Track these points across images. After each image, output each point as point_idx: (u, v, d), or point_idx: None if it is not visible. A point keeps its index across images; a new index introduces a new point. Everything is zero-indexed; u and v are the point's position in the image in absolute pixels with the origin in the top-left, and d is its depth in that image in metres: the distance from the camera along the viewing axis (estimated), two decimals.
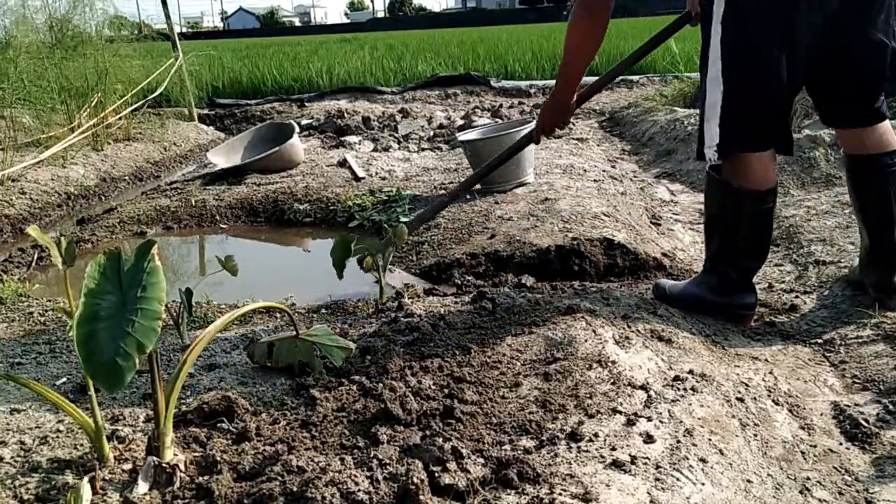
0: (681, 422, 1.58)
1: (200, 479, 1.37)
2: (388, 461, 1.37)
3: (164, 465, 1.37)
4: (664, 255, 3.00)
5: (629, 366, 1.83)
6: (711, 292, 2.37)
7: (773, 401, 1.83)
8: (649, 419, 1.57)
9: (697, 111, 5.88)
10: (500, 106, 7.56)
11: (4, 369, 2.02)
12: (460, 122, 6.55)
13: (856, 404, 1.83)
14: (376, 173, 4.67)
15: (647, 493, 1.32)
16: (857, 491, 1.49)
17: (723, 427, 1.62)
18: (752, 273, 2.35)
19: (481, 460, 1.40)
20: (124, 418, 1.67)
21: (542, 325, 2.10)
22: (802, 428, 1.73)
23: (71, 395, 1.80)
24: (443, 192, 4.05)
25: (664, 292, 2.47)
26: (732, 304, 2.36)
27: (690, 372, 1.86)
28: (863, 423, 1.71)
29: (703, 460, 1.46)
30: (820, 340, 2.22)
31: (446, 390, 1.69)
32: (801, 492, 1.47)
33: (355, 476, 1.31)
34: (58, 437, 1.58)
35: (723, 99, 2.11)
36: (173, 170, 6.07)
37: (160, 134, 6.61)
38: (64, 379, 1.94)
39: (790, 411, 1.79)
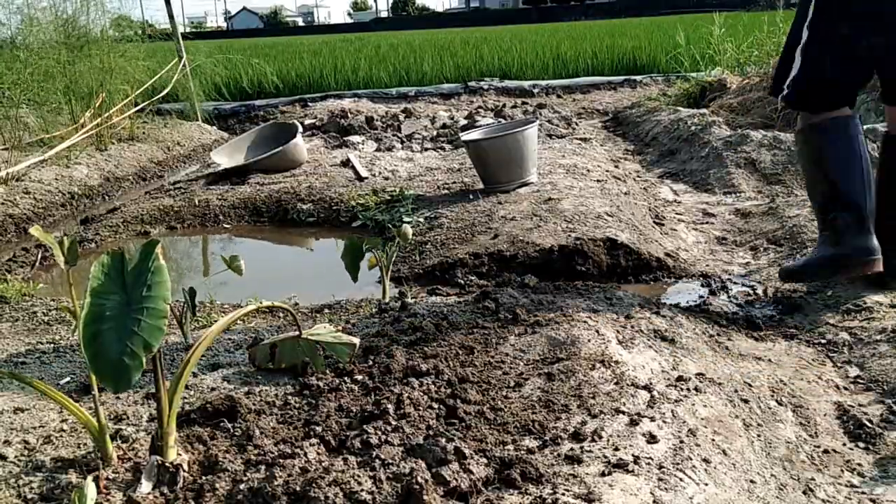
0: (684, 422, 1.58)
1: (203, 478, 1.37)
2: (391, 461, 1.37)
3: (167, 464, 1.38)
4: (667, 255, 3.00)
5: (632, 366, 1.83)
6: (832, 246, 2.33)
7: (777, 401, 1.83)
8: (652, 419, 1.57)
9: (701, 111, 5.84)
10: (504, 106, 7.55)
11: (8, 368, 2.02)
12: (463, 121, 6.55)
13: (859, 405, 1.83)
14: (379, 173, 4.67)
15: (651, 493, 1.32)
16: (862, 492, 1.48)
17: (726, 427, 1.62)
18: (862, 209, 2.30)
19: (484, 460, 1.40)
20: (128, 418, 1.68)
21: (545, 325, 2.10)
22: (806, 428, 1.72)
23: (74, 395, 1.81)
24: (446, 191, 4.05)
25: (789, 270, 2.47)
26: (854, 249, 2.29)
27: (694, 372, 1.86)
28: (866, 423, 1.71)
29: (706, 460, 1.46)
30: (823, 340, 2.21)
31: (449, 390, 1.69)
32: (804, 492, 1.47)
33: (358, 476, 1.31)
34: (61, 436, 1.59)
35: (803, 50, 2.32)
36: (177, 169, 6.08)
37: (164, 134, 6.61)
38: (67, 378, 1.94)
39: (794, 411, 1.79)
